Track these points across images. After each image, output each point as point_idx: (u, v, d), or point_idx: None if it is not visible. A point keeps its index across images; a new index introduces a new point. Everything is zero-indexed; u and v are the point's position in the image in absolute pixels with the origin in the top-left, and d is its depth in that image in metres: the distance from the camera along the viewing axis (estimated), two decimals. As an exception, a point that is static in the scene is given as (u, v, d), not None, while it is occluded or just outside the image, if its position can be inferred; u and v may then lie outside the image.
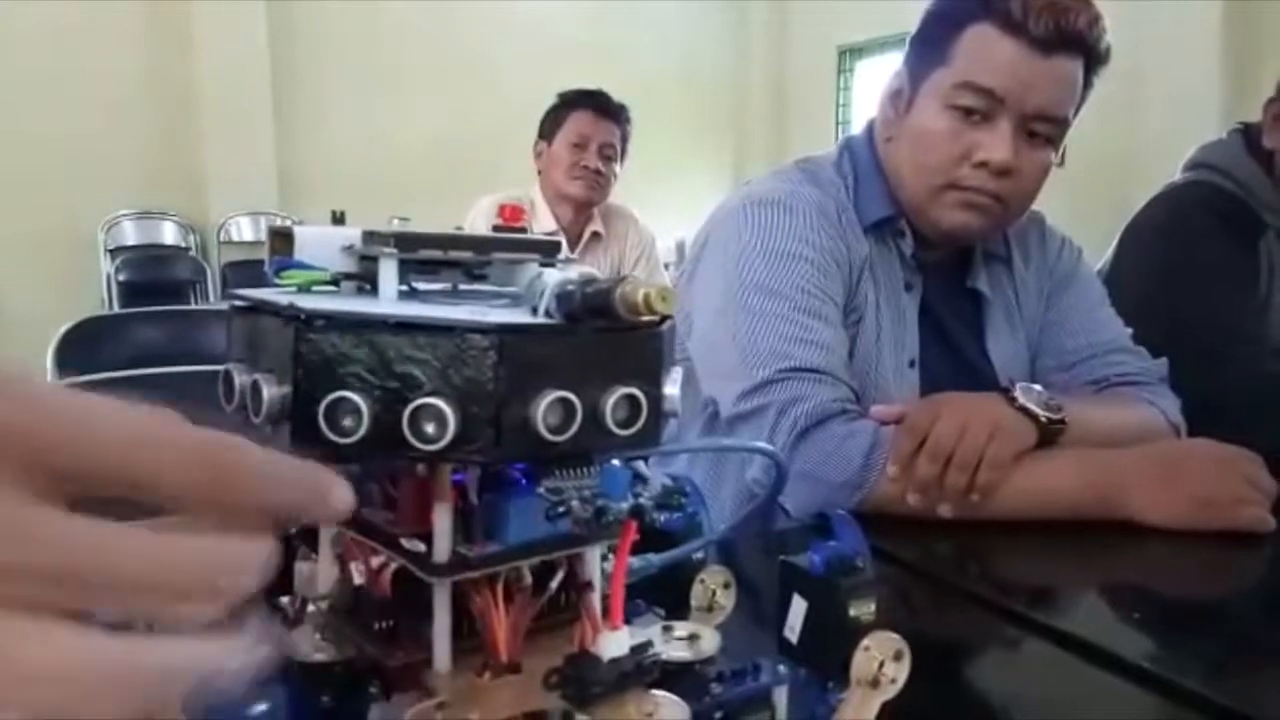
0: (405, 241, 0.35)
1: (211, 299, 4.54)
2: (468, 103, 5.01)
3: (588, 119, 2.39)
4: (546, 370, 0.31)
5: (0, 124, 4.03)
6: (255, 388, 0.32)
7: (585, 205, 2.44)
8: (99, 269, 4.48)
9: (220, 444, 0.24)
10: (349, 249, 0.37)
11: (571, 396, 0.31)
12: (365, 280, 0.38)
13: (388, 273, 0.35)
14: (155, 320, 1.80)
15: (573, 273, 0.38)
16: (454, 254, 0.37)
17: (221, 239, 4.72)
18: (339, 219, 0.39)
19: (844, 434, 0.91)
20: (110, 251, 4.51)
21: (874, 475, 0.89)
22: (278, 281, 0.37)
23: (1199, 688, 0.57)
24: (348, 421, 0.30)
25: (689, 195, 5.90)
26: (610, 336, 0.33)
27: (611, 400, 0.32)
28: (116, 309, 4.13)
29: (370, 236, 0.36)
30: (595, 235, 2.50)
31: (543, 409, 0.31)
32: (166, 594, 0.23)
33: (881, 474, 0.89)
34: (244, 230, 4.75)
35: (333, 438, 0.30)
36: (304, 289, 0.37)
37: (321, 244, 0.38)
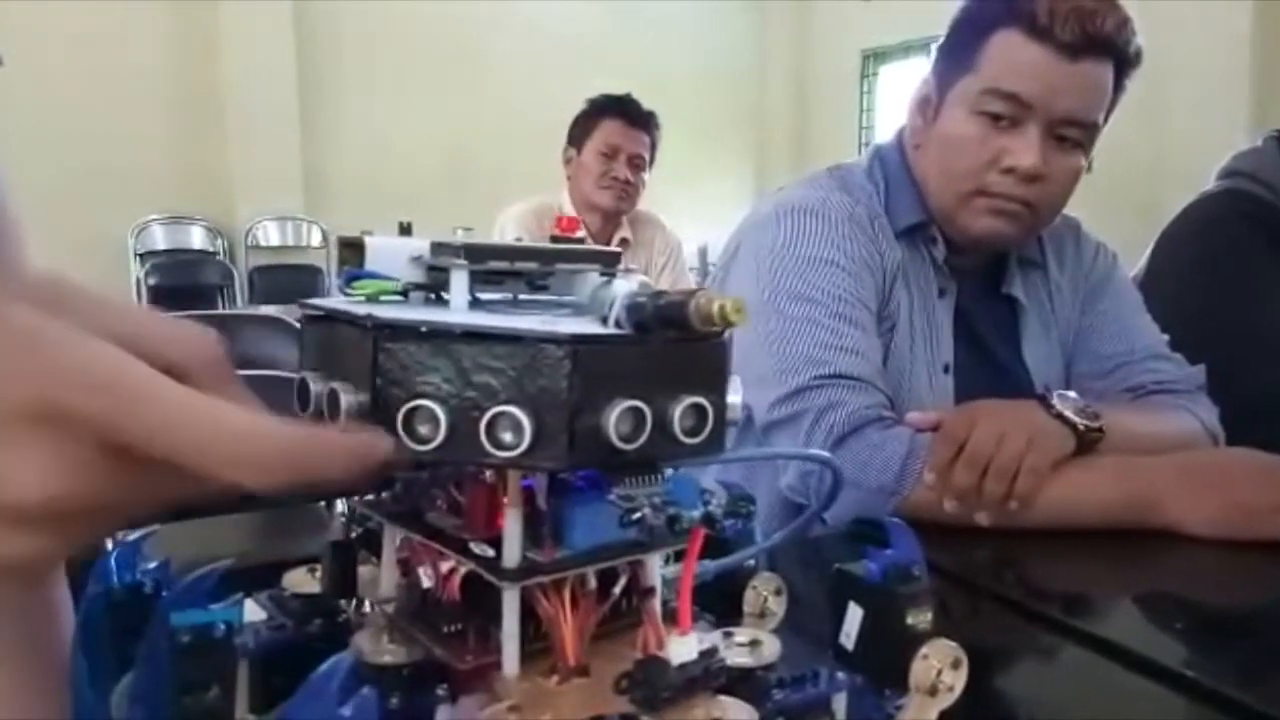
0: (474, 253, 0.36)
1: (239, 303, 4.59)
2: (490, 106, 5.04)
3: (618, 128, 2.40)
4: (618, 380, 0.32)
5: (31, 130, 4.10)
6: (332, 396, 0.33)
7: (615, 214, 2.46)
8: (129, 273, 4.54)
9: (273, 453, 0.27)
10: (417, 259, 0.38)
11: (642, 405, 0.32)
12: (432, 290, 0.38)
13: (459, 283, 0.36)
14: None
15: (634, 283, 0.38)
16: (520, 265, 0.38)
17: (249, 243, 4.77)
18: (405, 230, 0.40)
19: (880, 441, 0.92)
20: (140, 256, 4.57)
21: (910, 482, 0.90)
22: (348, 291, 0.38)
23: (1238, 694, 0.57)
24: (425, 429, 0.31)
25: (710, 201, 5.91)
26: (679, 347, 0.33)
27: (680, 409, 0.33)
28: (146, 313, 4.18)
29: (439, 248, 0.37)
30: (623, 241, 2.51)
31: (614, 418, 0.31)
32: None
33: (918, 481, 0.89)
34: (270, 235, 4.81)
35: (410, 445, 0.31)
36: (373, 298, 0.38)
37: (389, 254, 0.38)
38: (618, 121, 2.40)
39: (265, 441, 0.27)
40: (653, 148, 2.47)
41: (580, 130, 2.45)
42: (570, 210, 2.44)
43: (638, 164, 2.42)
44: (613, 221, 2.48)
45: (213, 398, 0.27)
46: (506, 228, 2.40)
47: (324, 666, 0.26)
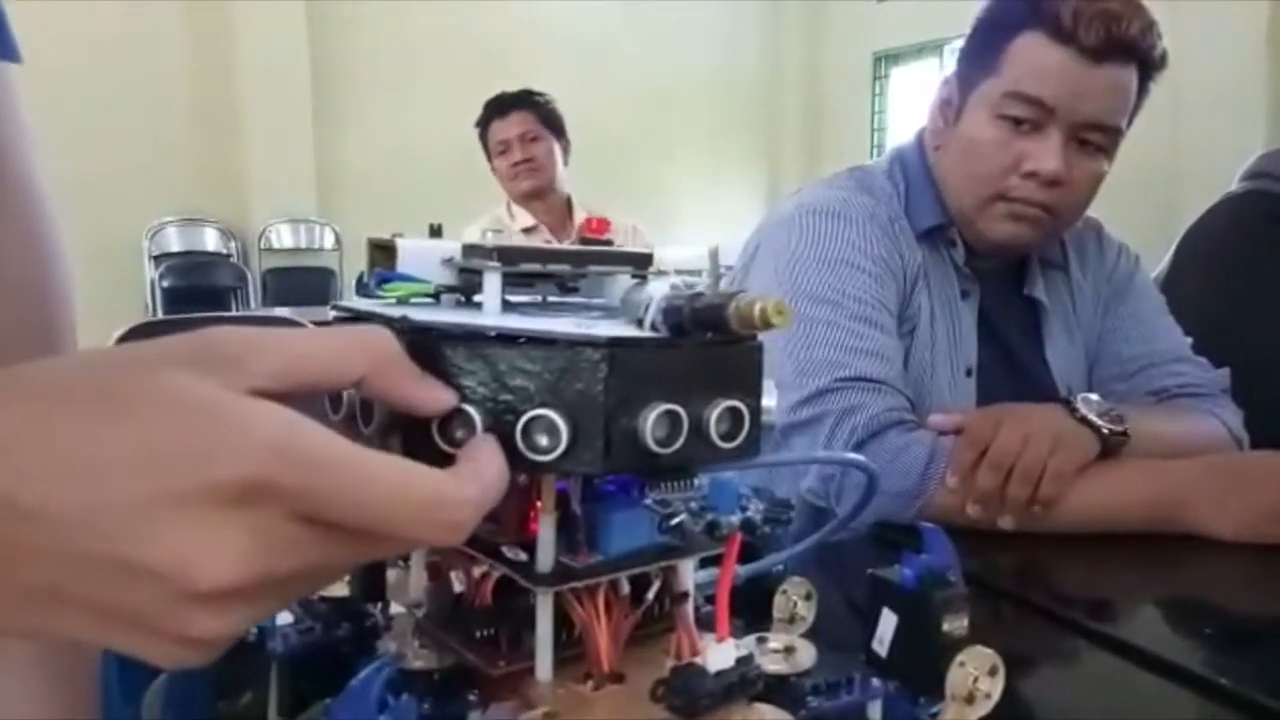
0: (507, 255, 0.36)
1: (252, 305, 4.60)
2: (502, 108, 5.04)
3: (497, 126, 2.50)
4: (655, 383, 0.31)
5: (44, 132, 4.09)
6: (366, 400, 0.32)
7: (544, 191, 2.53)
8: (143, 275, 4.56)
9: (456, 518, 0.27)
10: (448, 261, 0.38)
11: (678, 409, 0.32)
12: (464, 293, 0.38)
13: (492, 286, 0.36)
14: (201, 326, 1.85)
15: (667, 285, 0.38)
16: (552, 267, 0.37)
17: (262, 246, 4.78)
18: (436, 232, 0.40)
19: (902, 444, 0.91)
20: (154, 258, 4.59)
21: (932, 486, 0.89)
22: (379, 293, 0.37)
23: (1269, 700, 0.56)
24: (460, 433, 0.31)
25: (722, 202, 5.91)
26: (715, 350, 0.33)
27: (715, 413, 0.32)
28: (160, 315, 4.20)
29: (471, 250, 0.37)
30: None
31: (651, 421, 0.31)
32: None
33: (940, 484, 0.88)
34: (284, 237, 4.82)
35: (446, 448, 0.31)
36: (403, 301, 0.37)
37: (420, 256, 0.38)
38: (494, 121, 2.51)
39: (458, 505, 0.27)
40: (545, 118, 2.51)
41: (484, 147, 2.57)
42: (519, 213, 2.54)
43: (530, 138, 2.47)
44: (549, 201, 2.54)
45: (402, 460, 0.27)
46: None
47: (363, 673, 0.26)
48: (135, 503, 0.24)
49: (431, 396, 0.30)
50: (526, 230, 2.54)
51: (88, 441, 0.24)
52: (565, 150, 2.56)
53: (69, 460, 0.24)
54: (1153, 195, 3.44)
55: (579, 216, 2.57)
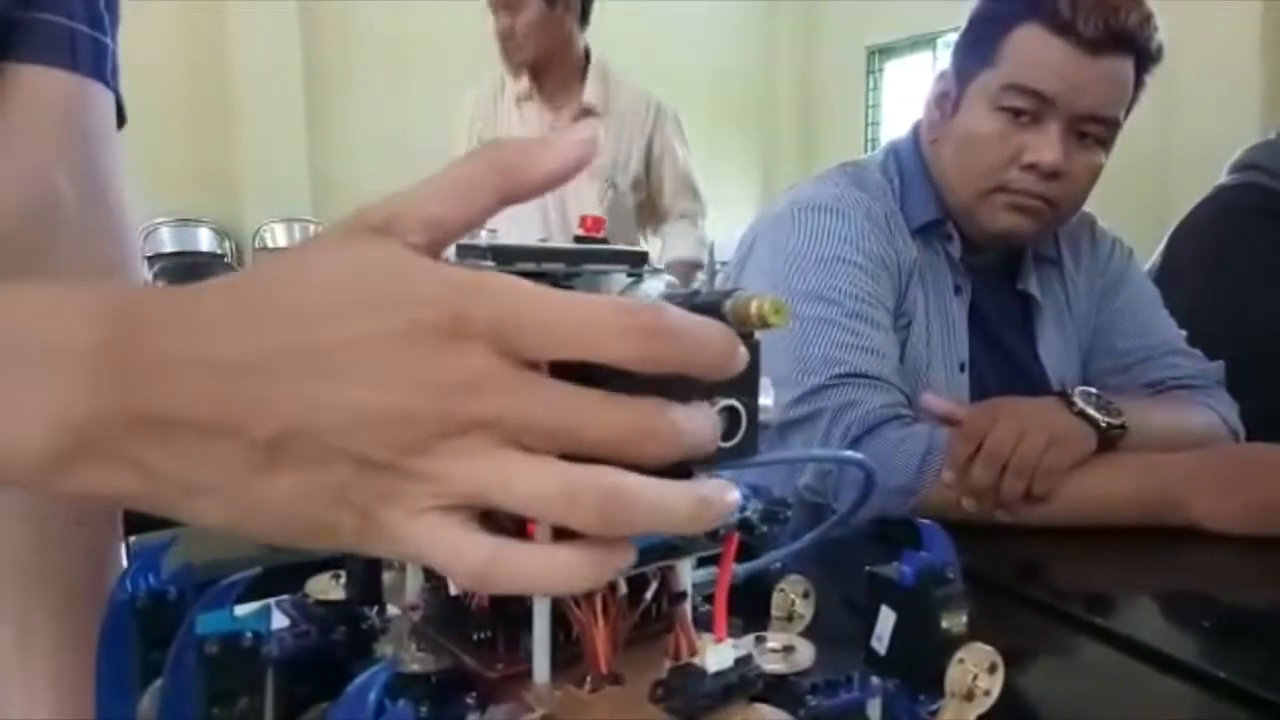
0: (501, 254, 0.36)
1: (248, 305, 4.59)
2: (498, 107, 5.03)
3: None
4: (650, 383, 0.31)
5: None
6: None
7: (533, 63, 2.06)
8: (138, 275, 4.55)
9: (654, 320, 0.27)
10: (443, 261, 0.37)
11: (675, 409, 0.31)
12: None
13: (486, 285, 0.35)
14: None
15: (663, 283, 0.38)
16: (546, 266, 0.37)
17: (256, 245, 4.78)
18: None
19: (898, 439, 0.91)
20: (148, 258, 4.58)
21: (928, 480, 0.89)
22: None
23: (1267, 693, 0.56)
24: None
25: (717, 197, 5.88)
26: (711, 348, 0.32)
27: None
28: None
29: (465, 250, 0.36)
30: (586, 111, 2.08)
31: (647, 421, 0.31)
32: (626, 452, 0.27)
33: (936, 479, 0.88)
34: (278, 237, 4.81)
35: None
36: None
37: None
38: None
39: (647, 309, 0.27)
40: None
41: None
42: (508, 77, 2.12)
43: (506, 3, 1.98)
44: (553, 74, 2.08)
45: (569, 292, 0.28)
46: (458, 129, 2.21)
47: (361, 677, 0.26)
48: (347, 342, 0.26)
49: (562, 156, 0.30)
50: (520, 100, 2.12)
51: (291, 297, 0.26)
52: (573, 9, 2.04)
53: (277, 313, 0.26)
54: (1146, 189, 3.45)
55: (592, 86, 2.10)
